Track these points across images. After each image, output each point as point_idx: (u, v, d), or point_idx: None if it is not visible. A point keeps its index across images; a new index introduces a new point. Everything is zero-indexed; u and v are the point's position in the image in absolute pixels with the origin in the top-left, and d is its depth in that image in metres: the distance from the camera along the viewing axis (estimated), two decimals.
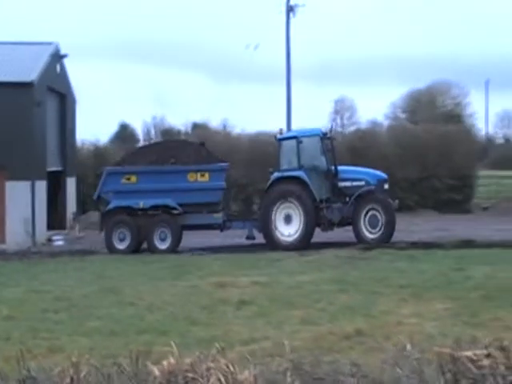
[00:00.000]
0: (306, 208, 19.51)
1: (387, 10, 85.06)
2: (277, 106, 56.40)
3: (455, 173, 31.00)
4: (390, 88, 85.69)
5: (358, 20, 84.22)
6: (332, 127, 22.73)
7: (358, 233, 19.42)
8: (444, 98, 58.55)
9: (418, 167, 30.68)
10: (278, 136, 21.02)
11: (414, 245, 18.34)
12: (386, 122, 51.50)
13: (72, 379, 3.88)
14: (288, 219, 19.71)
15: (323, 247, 18.76)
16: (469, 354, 3.63)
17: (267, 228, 19.69)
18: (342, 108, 62.82)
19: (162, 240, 19.86)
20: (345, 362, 4.45)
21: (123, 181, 20.15)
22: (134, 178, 20.16)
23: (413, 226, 22.88)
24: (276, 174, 20.06)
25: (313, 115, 70.83)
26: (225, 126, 43.73)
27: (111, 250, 19.79)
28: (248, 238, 20.18)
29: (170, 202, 19.84)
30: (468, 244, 17.70)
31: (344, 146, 29.41)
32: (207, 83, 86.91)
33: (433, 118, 47.35)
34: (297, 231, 19.57)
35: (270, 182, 20.06)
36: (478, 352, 3.66)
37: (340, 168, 20.33)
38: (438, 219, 24.65)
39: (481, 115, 62.75)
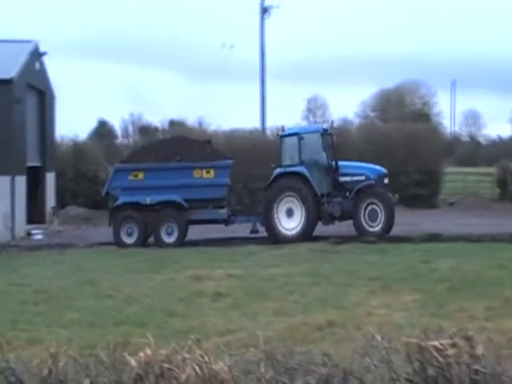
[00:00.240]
0: (307, 202, 19.56)
1: (359, 11, 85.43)
2: (251, 103, 56.40)
3: (423, 169, 31.24)
4: (360, 87, 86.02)
5: (331, 21, 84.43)
6: (332, 123, 22.69)
7: (358, 226, 19.44)
8: (412, 98, 58.97)
9: (388, 164, 30.81)
10: (280, 133, 21.16)
11: (384, 238, 18.43)
12: (356, 120, 51.74)
13: (50, 370, 3.85)
14: (290, 213, 19.74)
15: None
16: (435, 343, 3.66)
17: (269, 222, 19.73)
18: (314, 106, 63.01)
19: (169, 234, 19.87)
20: (316, 352, 4.46)
21: (130, 177, 20.17)
22: (141, 175, 20.17)
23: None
24: (278, 170, 20.13)
25: (286, 113, 70.93)
26: (201, 123, 43.56)
27: (120, 244, 19.71)
28: (252, 232, 20.20)
29: (176, 197, 19.86)
30: (435, 238, 17.83)
31: None
32: (183, 81, 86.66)
33: (402, 116, 47.65)
34: (298, 225, 19.60)
35: (272, 177, 20.12)
36: (443, 342, 3.69)
37: (341, 163, 20.37)
38: (407, 214, 24.78)
39: (447, 114, 63.32)
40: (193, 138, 23.61)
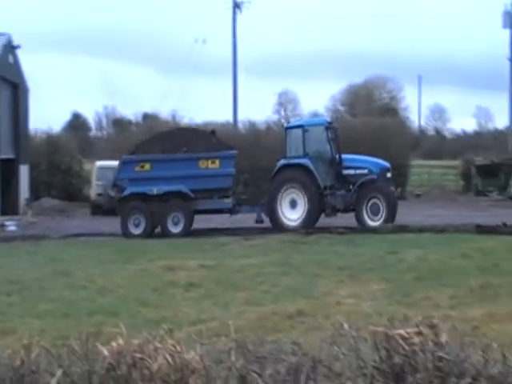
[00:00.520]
0: (310, 194, 19.58)
1: (328, 7, 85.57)
2: (224, 97, 56.33)
3: (390, 162, 31.42)
4: (330, 82, 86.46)
5: (301, 17, 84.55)
6: (337, 117, 22.79)
7: (359, 219, 19.45)
8: (380, 92, 59.36)
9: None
10: (285, 125, 21.16)
11: (352, 229, 18.53)
12: (326, 115, 51.88)
13: (23, 361, 3.80)
14: (293, 204, 19.76)
15: (268, 232, 18.81)
16: (401, 332, 3.67)
17: (273, 212, 19.74)
18: (285, 101, 63.07)
19: (175, 224, 19.83)
20: (286, 341, 4.46)
21: (137, 168, 20.15)
22: (147, 166, 20.15)
23: (352, 212, 23.07)
24: (282, 162, 20.13)
25: (258, 107, 70.94)
26: (174, 117, 43.35)
27: (127, 235, 19.61)
28: (257, 221, 20.19)
29: (182, 188, 19.83)
30: (402, 229, 17.96)
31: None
32: (157, 75, 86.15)
33: (370, 110, 47.91)
34: (301, 216, 19.63)
35: (276, 168, 20.13)
36: (409, 330, 3.70)
37: (344, 156, 20.38)
38: None
39: (414, 109, 63.84)
40: (198, 129, 23.63)
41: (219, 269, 12.99)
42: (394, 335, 3.71)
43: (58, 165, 33.04)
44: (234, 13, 41.90)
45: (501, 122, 61.56)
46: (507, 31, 40.39)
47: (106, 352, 3.80)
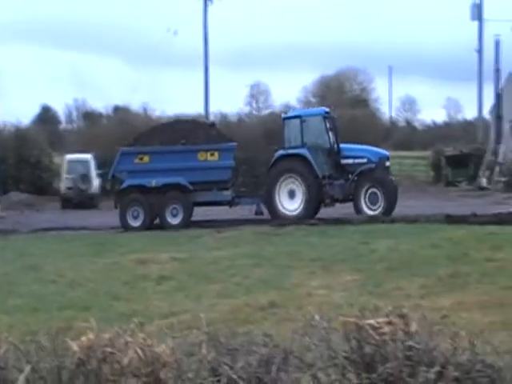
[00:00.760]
0: (308, 184, 19.49)
1: None
2: (195, 89, 56.08)
3: None
4: (302, 74, 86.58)
5: (274, 9, 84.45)
6: (330, 107, 22.59)
7: (358, 209, 19.36)
8: (351, 84, 59.63)
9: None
10: (283, 115, 21.06)
11: (325, 221, 18.59)
12: (298, 106, 52.00)
13: None
14: (292, 194, 19.68)
15: (241, 224, 18.81)
16: (372, 321, 3.70)
17: (272, 203, 19.67)
18: (257, 92, 63.04)
19: (174, 216, 19.75)
20: (258, 332, 4.46)
21: (136, 161, 20.03)
22: (146, 158, 20.05)
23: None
24: (280, 152, 20.03)
25: (230, 99, 70.80)
26: (145, 109, 43.09)
27: (126, 227, 19.48)
28: (256, 213, 20.09)
29: (181, 180, 19.75)
30: (374, 219, 18.07)
31: (259, 128, 29.49)
32: (127, 67, 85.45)
33: (341, 102, 48.09)
34: (299, 206, 19.55)
35: (273, 159, 20.04)
36: (380, 320, 3.73)
37: (342, 146, 20.30)
38: None
39: (385, 100, 64.21)
40: (198, 121, 23.52)
41: (191, 261, 12.96)
42: (364, 325, 3.73)
43: (27, 158, 32.67)
44: (206, 4, 41.71)
45: (470, 113, 62.34)
46: (475, 23, 40.83)
47: (75, 347, 3.77)
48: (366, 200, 19.38)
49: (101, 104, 58.20)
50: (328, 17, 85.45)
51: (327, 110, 21.41)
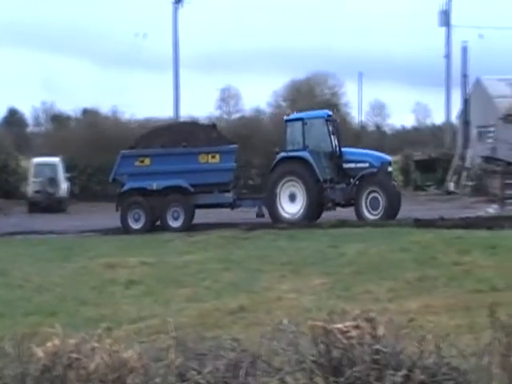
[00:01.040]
0: (308, 187, 19.39)
1: (272, 4, 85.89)
2: (166, 93, 55.90)
3: None
4: (272, 78, 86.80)
5: (244, 13, 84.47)
6: (333, 110, 22.39)
7: (359, 214, 19.24)
8: (322, 88, 59.89)
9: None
10: (285, 117, 21.01)
11: (294, 225, 18.62)
12: (268, 110, 52.07)
13: None
14: (292, 198, 19.57)
15: (210, 228, 18.77)
16: (339, 326, 3.71)
17: (272, 206, 19.54)
18: (227, 96, 62.95)
19: (175, 219, 19.64)
20: (226, 337, 4.45)
21: (137, 163, 19.92)
22: (147, 161, 19.94)
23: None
24: (281, 154, 19.93)
25: (200, 102, 70.65)
26: (115, 112, 42.75)
27: (127, 230, 19.30)
28: (258, 215, 19.95)
29: (182, 182, 19.64)
30: (343, 223, 18.17)
31: (229, 132, 29.47)
32: (97, 70, 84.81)
33: (311, 106, 48.24)
34: (300, 209, 19.43)
35: (275, 161, 19.92)
36: (347, 324, 3.75)
37: (345, 150, 20.23)
38: None
39: (355, 104, 64.60)
40: (199, 123, 23.37)
41: (160, 266, 12.89)
42: (332, 329, 3.74)
43: None
44: (175, 7, 41.62)
45: (438, 118, 62.96)
46: (443, 29, 41.35)
47: (40, 353, 3.72)
48: (367, 204, 19.24)
49: (69, 107, 57.64)
50: (298, 22, 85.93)
51: (330, 113, 21.33)
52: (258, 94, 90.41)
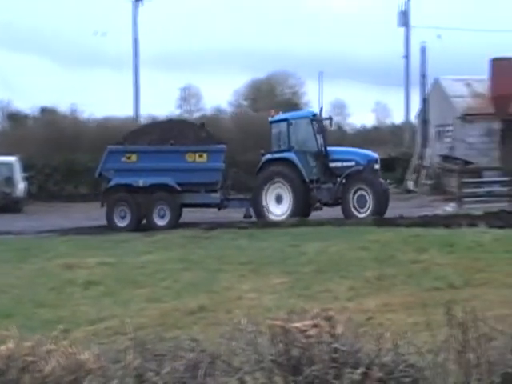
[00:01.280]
0: (294, 188, 19.33)
1: (233, 3, 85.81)
2: (125, 91, 55.36)
3: None
4: (234, 77, 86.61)
5: (205, 12, 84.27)
6: (322, 109, 22.12)
7: (346, 212, 19.14)
8: (282, 88, 60.10)
9: (259, 152, 31.31)
10: (270, 119, 20.88)
11: (254, 224, 18.66)
12: (229, 109, 52.06)
13: None
14: (279, 199, 19.52)
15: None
16: (298, 324, 3.73)
17: (259, 208, 19.46)
18: (188, 95, 62.72)
19: (161, 217, 19.46)
20: (185, 337, 4.44)
21: (124, 159, 19.71)
22: (134, 157, 19.72)
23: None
24: (267, 156, 19.86)
25: (161, 101, 70.26)
26: (73, 111, 42.22)
27: (112, 227, 19.08)
28: (245, 216, 19.81)
29: (169, 180, 19.45)
30: (303, 222, 18.26)
31: None
32: (55, 68, 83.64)
33: (272, 105, 48.40)
34: (287, 211, 19.37)
35: (261, 163, 19.82)
36: (306, 323, 3.77)
37: (330, 149, 20.15)
38: None
39: (315, 104, 64.98)
40: (188, 122, 23.17)
41: (119, 266, 12.78)
42: (291, 328, 3.76)
43: None
44: (135, 5, 41.32)
45: (398, 118, 63.69)
46: (403, 30, 41.85)
47: None
48: (355, 202, 19.23)
49: (27, 105, 56.80)
50: (258, 21, 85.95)
51: (314, 112, 21.31)
52: (219, 93, 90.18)
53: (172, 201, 19.64)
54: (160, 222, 19.44)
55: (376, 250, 12.97)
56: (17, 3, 77.36)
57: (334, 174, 19.86)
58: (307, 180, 19.58)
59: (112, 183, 19.82)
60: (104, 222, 20.09)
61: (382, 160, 34.90)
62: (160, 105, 70.01)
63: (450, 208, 23.09)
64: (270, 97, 55.82)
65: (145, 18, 51.92)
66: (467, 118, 31.01)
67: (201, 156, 19.81)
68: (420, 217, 18.69)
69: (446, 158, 31.14)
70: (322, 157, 19.98)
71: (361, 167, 19.67)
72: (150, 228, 19.13)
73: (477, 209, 20.63)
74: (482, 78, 31.72)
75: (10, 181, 28.48)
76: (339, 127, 66.72)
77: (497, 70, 30.49)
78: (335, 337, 3.71)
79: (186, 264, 12.61)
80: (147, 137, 20.16)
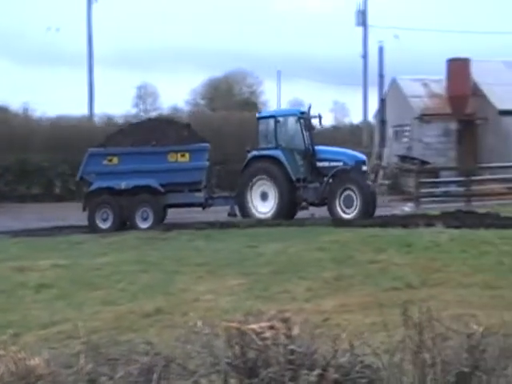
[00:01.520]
0: (280, 187, 19.14)
1: (190, 2, 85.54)
2: (79, 90, 54.68)
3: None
4: (191, 76, 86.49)
5: (162, 10, 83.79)
6: (310, 107, 21.83)
7: (332, 213, 18.97)
8: (240, 87, 60.14)
9: (218, 151, 31.27)
10: (257, 115, 20.65)
11: (212, 225, 18.59)
12: (186, 108, 51.87)
13: None
14: (264, 197, 19.31)
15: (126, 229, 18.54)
16: (254, 326, 3.74)
17: (244, 205, 19.29)
18: (144, 94, 62.29)
19: (144, 219, 19.14)
20: (140, 341, 4.40)
21: (105, 162, 19.31)
22: (115, 160, 19.34)
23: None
24: (253, 153, 19.60)
25: (116, 100, 69.62)
26: (25, 110, 41.52)
27: (95, 230, 18.66)
28: (230, 214, 19.60)
29: (151, 182, 19.16)
30: (260, 223, 18.27)
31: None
32: (8, 65, 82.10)
33: (230, 105, 48.43)
34: (272, 209, 19.20)
35: (246, 160, 19.56)
36: (262, 324, 3.77)
37: (318, 148, 19.96)
38: None
39: (273, 103, 65.19)
40: (171, 121, 22.85)
41: (73, 268, 12.61)
42: (247, 330, 3.76)
43: None
44: (89, 2, 40.85)
45: (356, 117, 64.37)
46: (360, 29, 42.29)
47: None
48: (341, 203, 19.07)
49: None
50: (217, 20, 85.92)
51: (303, 110, 21.13)
52: (176, 92, 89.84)
53: (155, 203, 19.47)
54: (143, 225, 19.22)
55: (335, 251, 13.04)
56: None
57: (322, 173, 19.78)
58: (294, 179, 19.48)
59: (93, 187, 19.53)
60: (57, 224, 19.80)
61: None
62: (116, 104, 69.33)
63: (407, 208, 23.40)
64: (227, 96, 55.83)
65: (100, 15, 51.35)
66: (424, 118, 31.49)
67: (183, 156, 19.62)
68: (378, 217, 18.89)
69: (403, 158, 31.57)
70: (310, 156, 19.90)
71: (348, 167, 19.65)
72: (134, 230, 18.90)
73: (434, 209, 20.95)
74: (439, 79, 32.25)
75: None
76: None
77: (453, 70, 31.01)
78: (291, 338, 3.73)
79: (143, 266, 12.51)
80: (130, 138, 19.90)
